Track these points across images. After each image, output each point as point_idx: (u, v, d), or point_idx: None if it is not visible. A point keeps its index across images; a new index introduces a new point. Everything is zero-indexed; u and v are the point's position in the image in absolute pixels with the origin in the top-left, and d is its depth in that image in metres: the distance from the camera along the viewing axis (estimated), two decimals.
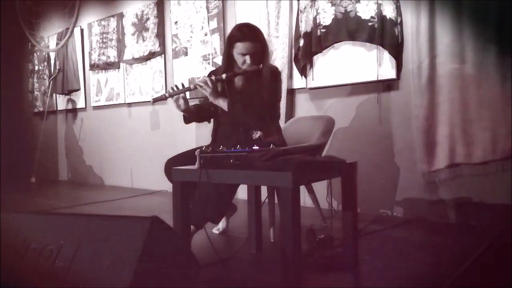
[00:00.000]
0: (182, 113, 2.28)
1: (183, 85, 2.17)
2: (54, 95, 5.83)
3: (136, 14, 4.71)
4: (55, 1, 5.58)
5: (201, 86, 2.10)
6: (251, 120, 2.08)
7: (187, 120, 2.32)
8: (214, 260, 1.90)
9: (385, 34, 2.89)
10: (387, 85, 3.00)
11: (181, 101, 2.16)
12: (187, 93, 2.22)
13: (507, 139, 2.52)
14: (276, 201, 2.32)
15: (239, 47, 2.11)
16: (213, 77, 2.12)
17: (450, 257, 2.09)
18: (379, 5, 2.90)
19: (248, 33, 2.12)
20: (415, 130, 2.84)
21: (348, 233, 1.88)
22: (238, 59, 2.15)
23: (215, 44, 3.98)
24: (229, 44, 2.16)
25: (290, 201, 1.47)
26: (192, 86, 2.15)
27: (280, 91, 2.29)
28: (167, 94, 2.12)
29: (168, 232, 1.37)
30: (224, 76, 2.12)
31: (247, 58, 2.11)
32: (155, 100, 2.15)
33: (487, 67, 2.55)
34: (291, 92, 3.51)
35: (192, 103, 2.31)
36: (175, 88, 2.14)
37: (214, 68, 3.91)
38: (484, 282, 1.74)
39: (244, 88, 2.21)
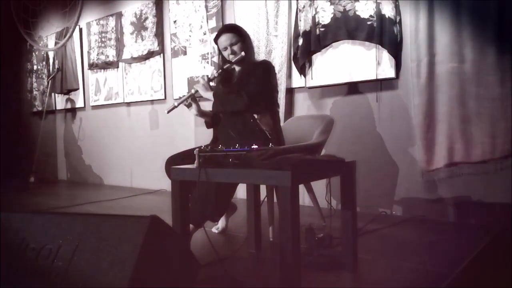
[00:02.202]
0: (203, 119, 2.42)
1: (187, 92, 2.36)
2: (53, 94, 5.83)
3: (135, 13, 4.70)
4: (54, 0, 5.56)
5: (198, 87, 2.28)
6: (238, 106, 2.16)
7: (208, 125, 2.42)
8: (214, 259, 1.90)
9: (384, 33, 2.89)
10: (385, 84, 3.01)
11: (193, 106, 2.31)
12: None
13: (506, 138, 2.52)
14: (275, 200, 2.33)
15: (220, 43, 2.31)
16: (205, 76, 2.31)
17: (449, 256, 2.09)
18: (378, 4, 2.90)
19: (224, 28, 2.38)
20: (414, 129, 2.84)
21: (347, 232, 1.88)
22: (225, 55, 2.31)
23: (214, 43, 3.96)
24: (216, 45, 2.36)
25: (289, 200, 1.47)
26: (193, 90, 2.30)
27: (271, 80, 2.31)
28: (176, 103, 2.27)
29: (167, 231, 1.37)
30: (214, 72, 2.32)
31: (229, 50, 2.28)
32: (169, 111, 2.30)
33: (485, 66, 2.55)
34: (290, 91, 3.51)
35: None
36: (181, 96, 2.31)
37: (212, 67, 3.92)
38: (483, 281, 1.74)
39: (237, 80, 2.31)
